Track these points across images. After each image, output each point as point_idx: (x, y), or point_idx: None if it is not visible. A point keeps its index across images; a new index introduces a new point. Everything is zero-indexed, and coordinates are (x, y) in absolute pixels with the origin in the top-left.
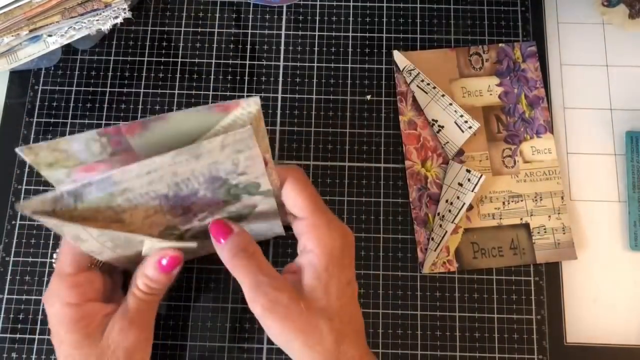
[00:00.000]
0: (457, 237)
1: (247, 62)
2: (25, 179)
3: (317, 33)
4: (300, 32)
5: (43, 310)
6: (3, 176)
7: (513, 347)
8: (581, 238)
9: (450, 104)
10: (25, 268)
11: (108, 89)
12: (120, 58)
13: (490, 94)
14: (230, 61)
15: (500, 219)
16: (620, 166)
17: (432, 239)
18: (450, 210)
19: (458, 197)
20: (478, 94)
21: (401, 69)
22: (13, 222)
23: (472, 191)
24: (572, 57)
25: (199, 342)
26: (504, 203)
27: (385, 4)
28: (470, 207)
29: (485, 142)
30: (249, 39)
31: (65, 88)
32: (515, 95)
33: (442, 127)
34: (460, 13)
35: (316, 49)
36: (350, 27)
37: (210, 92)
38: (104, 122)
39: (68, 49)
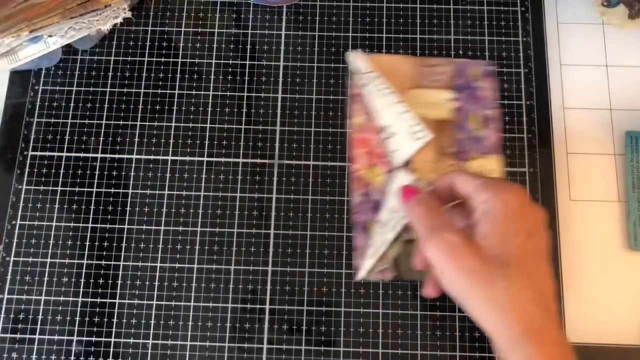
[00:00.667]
0: (397, 246)
1: (247, 62)
2: (25, 179)
3: (317, 33)
4: (300, 32)
5: (43, 310)
6: (3, 176)
7: None
8: (581, 238)
9: (405, 112)
10: (26, 268)
11: (108, 89)
12: (120, 58)
13: (444, 108)
14: (230, 61)
15: None
16: (620, 166)
17: (371, 245)
18: (391, 219)
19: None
20: (432, 106)
21: (358, 70)
22: (13, 222)
23: None
24: (572, 57)
25: (199, 342)
26: None
27: (385, 4)
28: None
29: (433, 155)
30: (249, 39)
31: (66, 88)
32: (468, 112)
33: (393, 133)
34: (460, 13)
35: (316, 49)
36: (350, 27)
37: (210, 92)
38: (104, 122)
39: (68, 49)
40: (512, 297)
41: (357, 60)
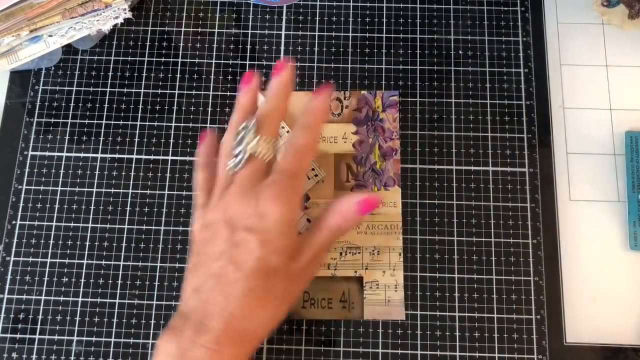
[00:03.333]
0: None
1: (247, 62)
2: (25, 179)
3: (317, 33)
4: (300, 32)
5: (43, 310)
6: (3, 176)
7: (513, 347)
8: (581, 238)
9: None
10: (26, 268)
11: (108, 89)
12: (120, 58)
13: (345, 142)
14: (230, 61)
15: (335, 269)
16: (620, 166)
17: None
18: None
19: None
20: (333, 140)
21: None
22: (13, 222)
23: None
24: (572, 57)
25: None
26: (341, 254)
27: (385, 4)
28: None
29: (332, 190)
30: (249, 39)
31: (66, 88)
32: (369, 145)
33: None
34: (460, 13)
35: (316, 49)
36: (350, 27)
37: (211, 92)
38: (104, 122)
39: (68, 49)
40: None
41: (260, 99)
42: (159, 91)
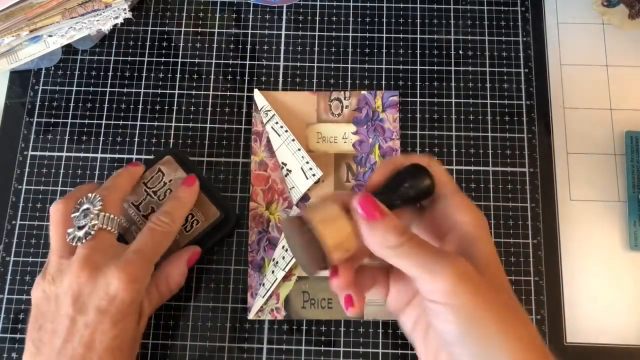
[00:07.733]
0: (290, 285)
1: (247, 62)
2: (25, 179)
3: (317, 33)
4: (300, 32)
5: None
6: (3, 176)
7: None
8: (581, 238)
9: (299, 150)
10: (25, 268)
11: (108, 89)
12: (120, 58)
13: (345, 142)
14: (230, 61)
15: None
16: (620, 166)
17: (263, 284)
18: (284, 257)
19: None
20: (333, 140)
21: (259, 108)
22: (13, 222)
23: None
24: (572, 57)
25: (199, 342)
26: None
27: (385, 4)
28: None
29: (332, 189)
30: (249, 39)
31: (65, 88)
32: (369, 145)
33: (290, 171)
34: (460, 13)
35: (316, 49)
36: (350, 27)
37: (210, 92)
38: (104, 122)
39: (68, 49)
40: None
41: (259, 98)
42: (159, 91)
